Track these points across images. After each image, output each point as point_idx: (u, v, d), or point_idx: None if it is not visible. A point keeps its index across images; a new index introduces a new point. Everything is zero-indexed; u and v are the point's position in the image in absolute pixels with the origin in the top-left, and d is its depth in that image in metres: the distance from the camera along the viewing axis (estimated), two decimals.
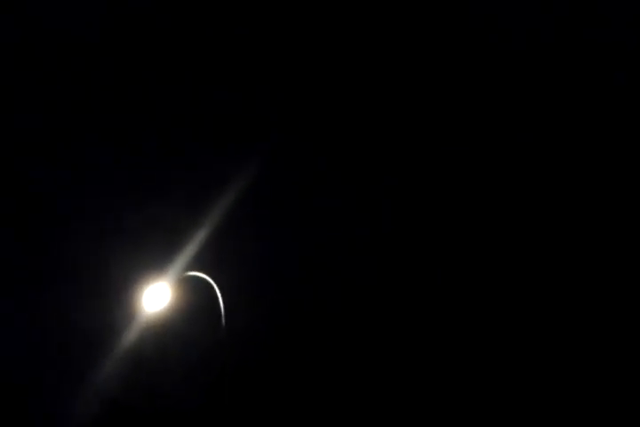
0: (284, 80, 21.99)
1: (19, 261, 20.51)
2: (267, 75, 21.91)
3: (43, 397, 20.44)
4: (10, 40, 21.58)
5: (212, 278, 16.94)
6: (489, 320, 19.45)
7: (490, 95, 20.99)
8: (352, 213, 20.96)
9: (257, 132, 21.63)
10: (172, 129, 21.44)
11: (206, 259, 18.98)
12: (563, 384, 17.80)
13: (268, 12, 22.12)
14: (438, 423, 18.61)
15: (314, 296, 20.50)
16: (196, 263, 18.65)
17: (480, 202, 20.59)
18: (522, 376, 18.41)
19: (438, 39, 21.44)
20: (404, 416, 19.13)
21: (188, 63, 21.93)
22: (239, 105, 21.76)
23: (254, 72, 21.89)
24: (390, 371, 19.82)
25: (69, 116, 21.53)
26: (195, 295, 17.78)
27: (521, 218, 20.25)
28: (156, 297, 16.81)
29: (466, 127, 21.07)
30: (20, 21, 21.73)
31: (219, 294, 16.76)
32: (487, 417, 17.95)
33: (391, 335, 20.22)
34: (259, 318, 19.76)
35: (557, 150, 20.33)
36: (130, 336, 19.42)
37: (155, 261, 18.74)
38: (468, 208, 20.69)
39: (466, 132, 21.03)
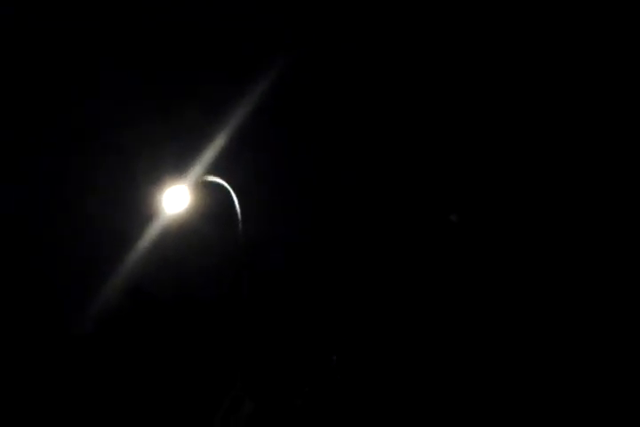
0: None
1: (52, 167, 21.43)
2: None
3: (71, 286, 21.89)
4: None
5: (230, 184, 17.86)
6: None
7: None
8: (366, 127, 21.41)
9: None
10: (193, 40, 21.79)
11: (225, 164, 19.72)
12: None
13: None
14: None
15: (329, 203, 21.25)
16: (215, 168, 19.43)
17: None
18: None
19: None
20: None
21: None
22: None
23: None
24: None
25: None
26: (213, 199, 18.62)
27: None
28: (176, 199, 17.57)
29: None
30: None
31: (235, 199, 17.66)
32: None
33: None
34: (274, 222, 20.65)
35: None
36: (152, 233, 20.44)
37: (175, 165, 19.53)
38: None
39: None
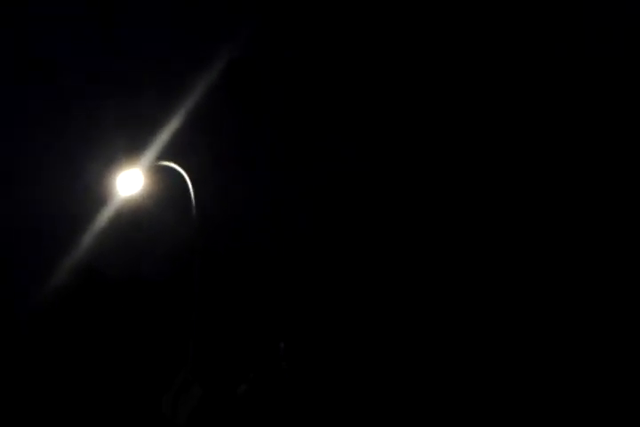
0: None
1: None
2: None
3: (24, 266, 21.93)
4: None
5: (183, 167, 17.98)
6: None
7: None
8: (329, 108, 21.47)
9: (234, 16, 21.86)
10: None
11: (178, 148, 19.82)
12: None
13: None
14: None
15: (284, 188, 21.37)
16: (169, 152, 19.53)
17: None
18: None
19: None
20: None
21: None
22: None
23: None
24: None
25: None
26: (166, 183, 18.73)
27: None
28: (130, 182, 17.63)
29: None
30: None
31: (189, 183, 17.79)
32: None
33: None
34: (227, 206, 20.77)
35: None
36: (106, 215, 20.53)
37: (129, 148, 19.61)
38: None
39: None
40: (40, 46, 21.50)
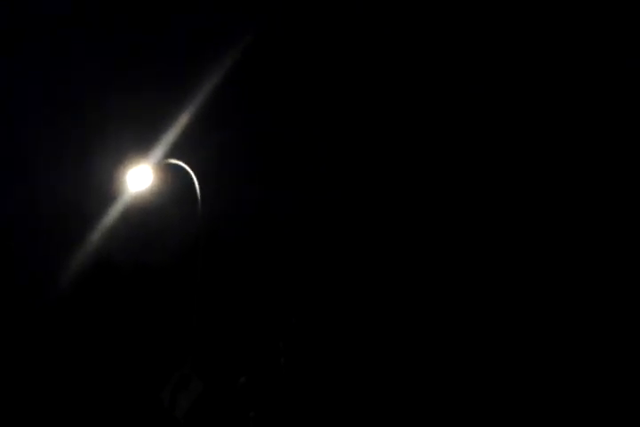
0: None
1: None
2: None
3: (42, 257, 22.67)
4: None
5: (190, 166, 18.56)
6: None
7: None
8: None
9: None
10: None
11: (186, 146, 20.37)
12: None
13: None
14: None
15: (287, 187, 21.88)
16: (177, 150, 20.11)
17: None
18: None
19: None
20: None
21: None
22: None
23: None
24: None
25: None
26: (174, 180, 19.29)
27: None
28: (140, 179, 18.11)
29: None
30: None
31: (195, 180, 18.36)
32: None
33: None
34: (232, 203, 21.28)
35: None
36: (116, 209, 21.14)
37: (139, 146, 20.18)
38: None
39: None
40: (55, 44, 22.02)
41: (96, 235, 21.95)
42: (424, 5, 21.77)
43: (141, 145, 20.10)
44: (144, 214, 21.50)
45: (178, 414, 14.49)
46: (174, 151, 19.79)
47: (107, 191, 20.11)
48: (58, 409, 19.18)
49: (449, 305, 19.76)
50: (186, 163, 18.32)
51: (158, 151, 19.79)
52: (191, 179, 18.29)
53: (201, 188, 18.24)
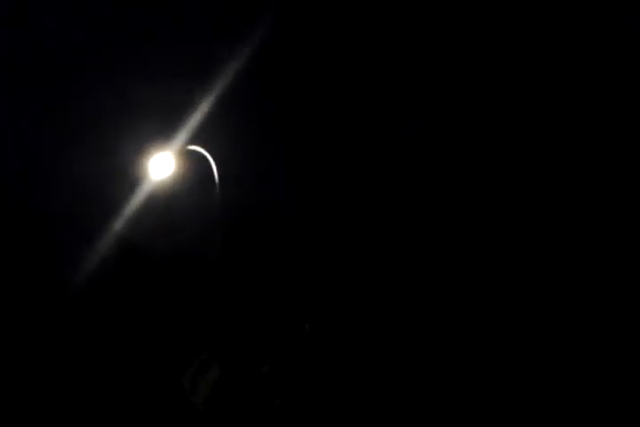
0: None
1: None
2: None
3: (63, 244, 23.08)
4: None
5: (210, 152, 18.78)
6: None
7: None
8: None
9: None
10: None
11: (207, 133, 20.55)
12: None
13: None
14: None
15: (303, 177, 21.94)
16: (199, 137, 20.31)
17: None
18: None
19: None
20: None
21: None
22: None
23: None
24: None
25: None
26: (194, 166, 19.51)
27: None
28: (162, 165, 18.41)
29: None
30: None
31: (214, 167, 18.56)
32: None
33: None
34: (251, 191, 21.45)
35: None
36: (139, 197, 21.45)
37: (161, 133, 20.43)
38: None
39: None
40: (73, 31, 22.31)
41: (119, 222, 22.29)
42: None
43: (163, 132, 20.37)
44: (167, 201, 21.75)
45: (197, 399, 14.61)
46: (196, 138, 20.03)
47: (129, 178, 20.42)
48: (79, 392, 19.48)
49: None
50: (207, 150, 18.65)
51: (180, 138, 20.10)
52: (210, 166, 18.55)
53: (223, 173, 18.51)
